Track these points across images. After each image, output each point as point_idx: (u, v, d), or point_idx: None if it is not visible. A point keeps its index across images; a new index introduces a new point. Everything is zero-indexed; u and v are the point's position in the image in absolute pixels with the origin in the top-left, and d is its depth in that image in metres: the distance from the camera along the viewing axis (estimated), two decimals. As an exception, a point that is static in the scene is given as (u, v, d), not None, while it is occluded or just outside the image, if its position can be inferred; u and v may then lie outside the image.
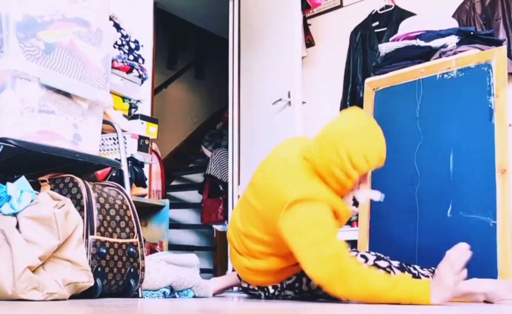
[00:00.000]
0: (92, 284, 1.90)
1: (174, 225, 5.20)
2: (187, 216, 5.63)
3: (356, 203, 2.22)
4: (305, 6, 3.94)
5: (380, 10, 3.88)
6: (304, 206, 2.03)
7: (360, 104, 3.37)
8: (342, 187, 2.09)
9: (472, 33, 2.87)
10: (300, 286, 2.34)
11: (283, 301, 2.41)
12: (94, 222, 2.00)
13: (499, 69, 2.65)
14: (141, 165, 2.87)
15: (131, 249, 2.09)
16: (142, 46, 3.03)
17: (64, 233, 1.84)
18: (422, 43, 2.95)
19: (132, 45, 2.95)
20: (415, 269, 2.29)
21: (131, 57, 2.91)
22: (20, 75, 1.92)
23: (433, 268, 2.21)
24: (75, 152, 2.08)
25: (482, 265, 2.49)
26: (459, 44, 2.86)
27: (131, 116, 2.91)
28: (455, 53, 2.82)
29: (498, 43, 2.84)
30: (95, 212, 2.01)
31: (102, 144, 2.64)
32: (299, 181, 2.09)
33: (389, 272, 2.20)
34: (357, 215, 3.08)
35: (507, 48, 2.99)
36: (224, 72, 4.40)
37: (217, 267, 4.99)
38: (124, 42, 2.89)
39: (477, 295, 2.23)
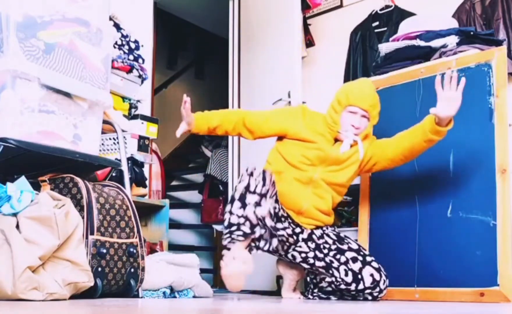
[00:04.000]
0: (92, 284, 1.90)
1: (174, 225, 5.19)
2: (187, 216, 5.62)
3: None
4: (305, 6, 3.93)
5: (380, 10, 3.87)
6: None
7: (360, 104, 3.36)
8: (333, 120, 2.62)
9: (472, 33, 2.87)
10: None
11: (283, 301, 2.41)
12: (94, 222, 2.00)
13: (499, 69, 2.65)
14: (141, 165, 2.87)
15: (131, 249, 2.09)
16: (142, 46, 3.03)
17: (64, 233, 1.84)
18: (422, 43, 2.95)
19: (132, 45, 2.94)
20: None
21: (131, 57, 2.91)
22: (20, 75, 1.92)
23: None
24: (75, 152, 2.08)
25: (482, 265, 2.49)
26: (459, 44, 2.86)
27: (131, 116, 2.90)
28: (455, 53, 2.82)
29: (498, 43, 2.84)
30: (95, 212, 2.01)
31: (102, 144, 2.63)
32: None
33: None
34: (357, 215, 3.08)
35: (507, 48, 2.99)
36: (224, 72, 4.39)
37: (217, 267, 4.98)
38: (124, 42, 2.89)
39: None
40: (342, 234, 2.71)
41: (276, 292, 3.35)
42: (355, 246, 2.61)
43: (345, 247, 2.59)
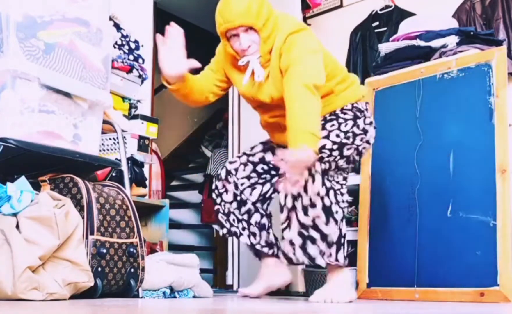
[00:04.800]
0: (92, 284, 1.90)
1: (174, 225, 5.19)
2: (187, 216, 5.62)
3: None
4: (305, 6, 3.94)
5: (380, 10, 3.87)
6: None
7: (360, 104, 3.36)
8: (232, 53, 2.36)
9: (472, 33, 2.88)
10: None
11: (283, 301, 2.42)
12: (94, 222, 2.00)
13: (499, 69, 2.65)
14: (141, 165, 2.87)
15: (131, 249, 2.09)
16: (142, 46, 3.03)
17: (64, 233, 1.84)
18: (422, 43, 2.95)
19: (132, 45, 2.95)
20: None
21: (131, 57, 2.91)
22: (20, 75, 1.92)
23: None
24: (75, 152, 2.08)
25: (482, 265, 2.49)
26: (459, 44, 2.86)
27: (131, 116, 2.91)
28: (455, 53, 2.82)
29: (498, 43, 2.84)
30: (95, 212, 2.01)
31: (102, 144, 2.64)
32: None
33: None
34: (356, 215, 3.08)
35: (507, 48, 2.99)
36: (224, 72, 4.39)
37: (217, 267, 4.99)
38: (124, 42, 2.89)
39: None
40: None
41: (276, 292, 3.35)
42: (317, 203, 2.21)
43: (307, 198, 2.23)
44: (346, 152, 2.33)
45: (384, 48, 3.15)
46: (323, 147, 2.25)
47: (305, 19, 4.16)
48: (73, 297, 1.88)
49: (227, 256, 4.13)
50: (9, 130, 1.91)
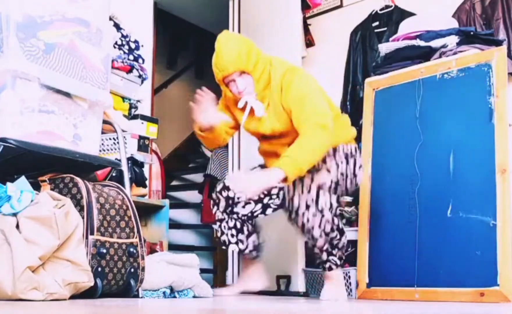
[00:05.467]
0: (92, 284, 1.90)
1: (174, 225, 5.19)
2: (187, 216, 5.62)
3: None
4: (305, 6, 3.94)
5: (380, 10, 3.87)
6: None
7: (360, 104, 3.37)
8: (232, 97, 2.63)
9: (472, 33, 2.88)
10: None
11: (283, 301, 2.42)
12: (94, 222, 2.00)
13: (499, 69, 2.65)
14: (141, 165, 2.87)
15: (131, 249, 2.09)
16: (142, 46, 3.03)
17: (64, 233, 1.84)
18: (422, 43, 2.95)
19: (132, 45, 2.94)
20: None
21: (131, 57, 2.91)
22: (20, 75, 1.92)
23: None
24: (75, 152, 2.08)
25: (482, 265, 2.49)
26: (459, 44, 2.86)
27: (131, 116, 2.91)
28: (455, 53, 2.82)
29: (498, 43, 2.84)
30: (95, 212, 2.01)
31: (102, 144, 2.63)
32: None
33: None
34: (357, 215, 3.08)
35: (507, 48, 2.99)
36: (224, 72, 4.39)
37: (217, 267, 4.99)
38: (124, 42, 2.89)
39: None
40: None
41: (276, 292, 3.35)
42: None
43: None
44: (338, 189, 2.58)
45: (384, 48, 3.15)
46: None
47: (305, 19, 4.16)
48: (73, 297, 1.88)
49: (227, 256, 4.13)
50: (9, 130, 1.91)
